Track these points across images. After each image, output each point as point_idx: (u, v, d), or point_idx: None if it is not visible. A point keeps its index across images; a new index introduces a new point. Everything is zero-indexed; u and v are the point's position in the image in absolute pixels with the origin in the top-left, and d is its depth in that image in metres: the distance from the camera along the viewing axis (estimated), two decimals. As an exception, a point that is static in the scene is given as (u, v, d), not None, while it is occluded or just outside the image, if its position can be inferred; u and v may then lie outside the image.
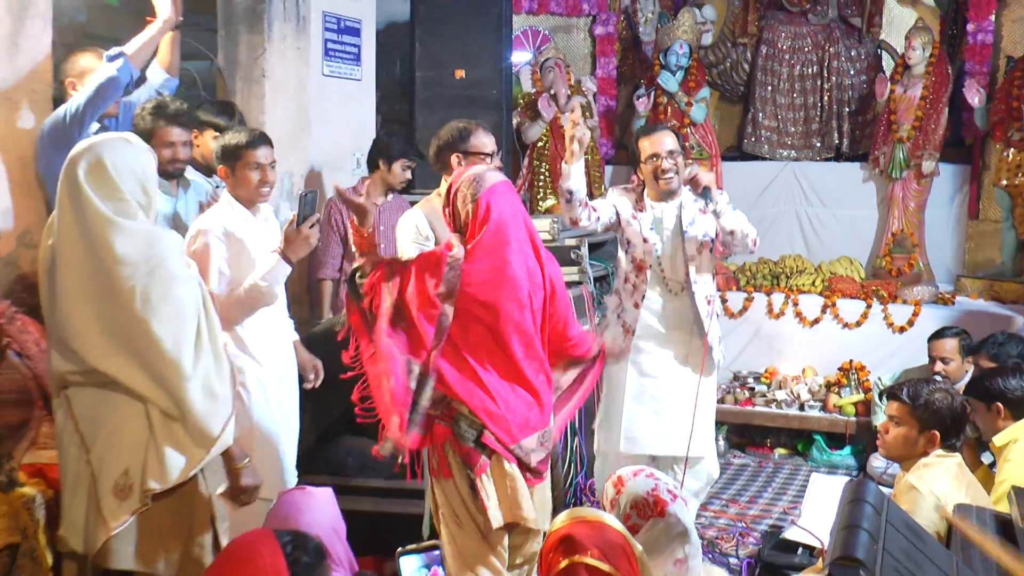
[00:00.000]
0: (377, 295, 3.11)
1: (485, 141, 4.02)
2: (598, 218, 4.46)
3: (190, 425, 2.78)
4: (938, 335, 5.47)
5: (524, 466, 3.14)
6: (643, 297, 4.50)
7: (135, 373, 2.75)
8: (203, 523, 2.87)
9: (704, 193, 4.32)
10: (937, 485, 3.34)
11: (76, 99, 3.93)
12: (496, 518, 3.05)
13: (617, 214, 4.51)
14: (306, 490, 2.90)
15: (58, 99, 4.19)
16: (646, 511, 2.82)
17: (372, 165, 5.36)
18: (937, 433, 3.52)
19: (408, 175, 5.36)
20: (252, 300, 3.68)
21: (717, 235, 4.43)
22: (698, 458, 4.52)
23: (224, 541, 2.92)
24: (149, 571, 2.80)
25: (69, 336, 2.77)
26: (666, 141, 4.45)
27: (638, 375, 4.53)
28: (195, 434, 2.79)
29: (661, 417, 4.48)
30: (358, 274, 3.17)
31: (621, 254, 4.61)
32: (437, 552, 2.28)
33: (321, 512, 2.92)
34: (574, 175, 4.32)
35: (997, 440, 3.86)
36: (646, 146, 4.47)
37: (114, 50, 4.02)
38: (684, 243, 4.44)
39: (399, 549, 2.29)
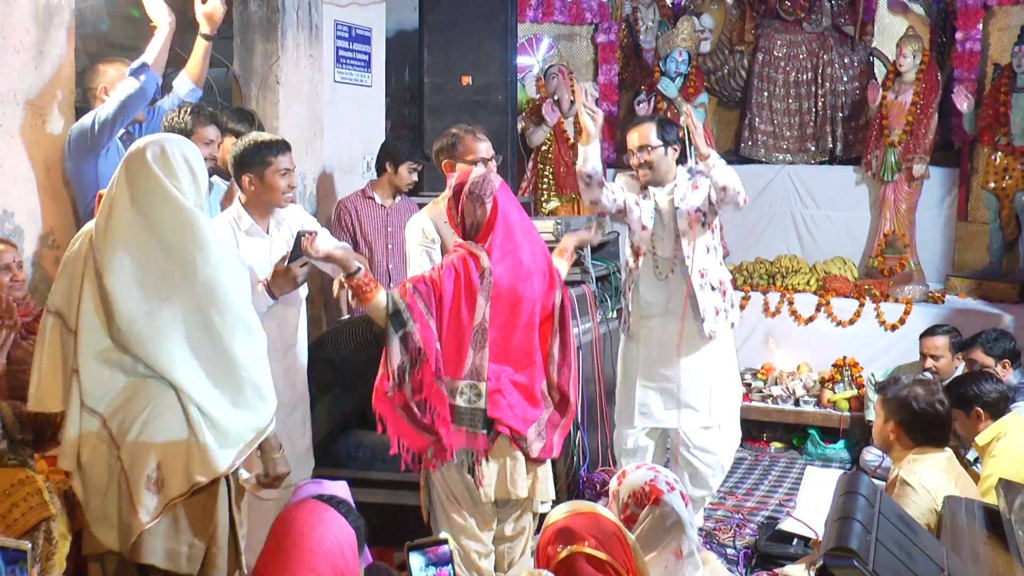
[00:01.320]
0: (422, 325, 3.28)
1: (475, 147, 4.03)
2: (614, 199, 4.45)
3: (240, 416, 2.76)
4: (929, 333, 5.47)
5: (526, 455, 3.40)
6: (635, 282, 4.54)
7: (187, 362, 2.71)
8: (224, 523, 2.82)
9: (688, 134, 4.33)
10: (927, 478, 3.34)
11: (105, 107, 3.94)
12: (488, 495, 3.41)
13: (624, 200, 4.50)
14: (321, 483, 2.90)
15: (81, 107, 4.21)
16: (642, 500, 2.83)
17: (380, 168, 5.37)
18: (895, 423, 3.51)
19: (415, 177, 5.36)
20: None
21: (709, 201, 4.38)
22: (709, 427, 4.56)
23: (242, 543, 2.93)
24: (174, 568, 2.75)
25: (120, 323, 2.70)
26: (634, 137, 4.42)
27: (646, 353, 4.55)
28: (245, 424, 2.78)
29: (671, 392, 4.48)
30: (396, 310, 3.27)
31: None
32: (445, 549, 2.27)
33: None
34: (591, 156, 4.30)
35: (980, 440, 3.85)
36: (629, 140, 4.48)
37: (137, 62, 4.04)
38: (676, 220, 4.42)
39: (408, 543, 2.29)
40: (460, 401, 3.37)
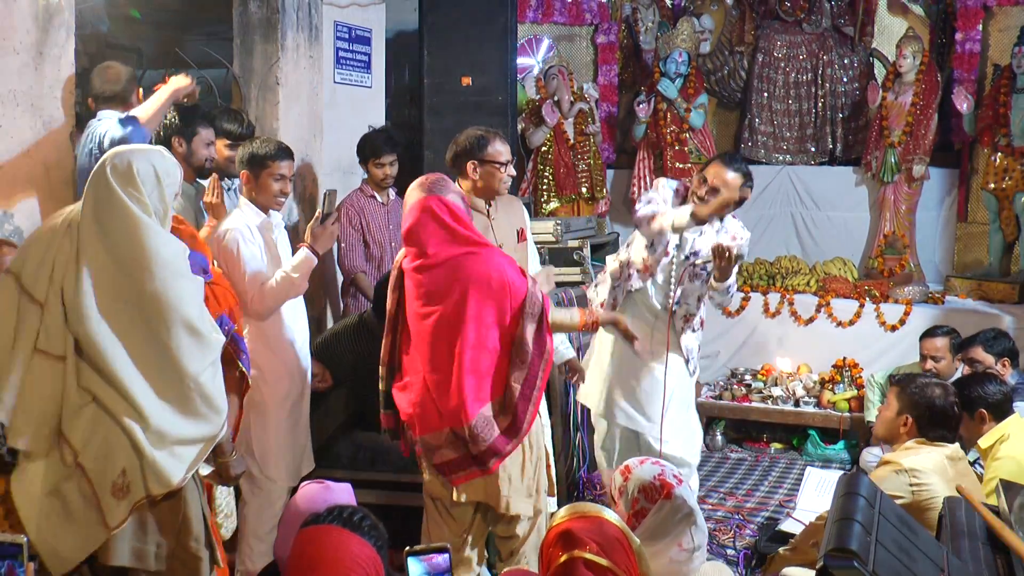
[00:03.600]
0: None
1: (501, 150, 3.97)
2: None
3: (190, 427, 2.77)
4: (929, 334, 5.46)
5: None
6: (627, 293, 4.35)
7: (134, 378, 2.72)
8: (197, 516, 2.85)
9: (721, 262, 4.00)
10: (914, 460, 3.40)
11: (92, 146, 3.91)
12: (461, 497, 3.44)
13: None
14: (325, 484, 2.90)
15: (80, 114, 4.21)
16: (653, 495, 2.82)
17: (364, 170, 5.39)
18: (911, 418, 3.55)
19: (387, 172, 5.26)
20: (284, 291, 3.84)
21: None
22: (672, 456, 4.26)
23: (226, 533, 2.93)
24: (142, 567, 2.77)
25: (81, 332, 2.71)
26: (718, 177, 4.12)
27: (622, 350, 4.36)
28: (195, 434, 2.79)
29: (634, 393, 4.39)
30: None
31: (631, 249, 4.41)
32: (445, 557, 2.26)
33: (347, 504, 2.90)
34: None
35: (983, 442, 3.85)
36: (709, 177, 4.14)
37: (130, 112, 4.03)
38: (686, 265, 4.27)
39: (407, 549, 2.28)
40: None
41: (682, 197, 4.30)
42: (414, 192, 3.42)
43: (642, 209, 4.22)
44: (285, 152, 3.97)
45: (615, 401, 4.43)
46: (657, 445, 4.33)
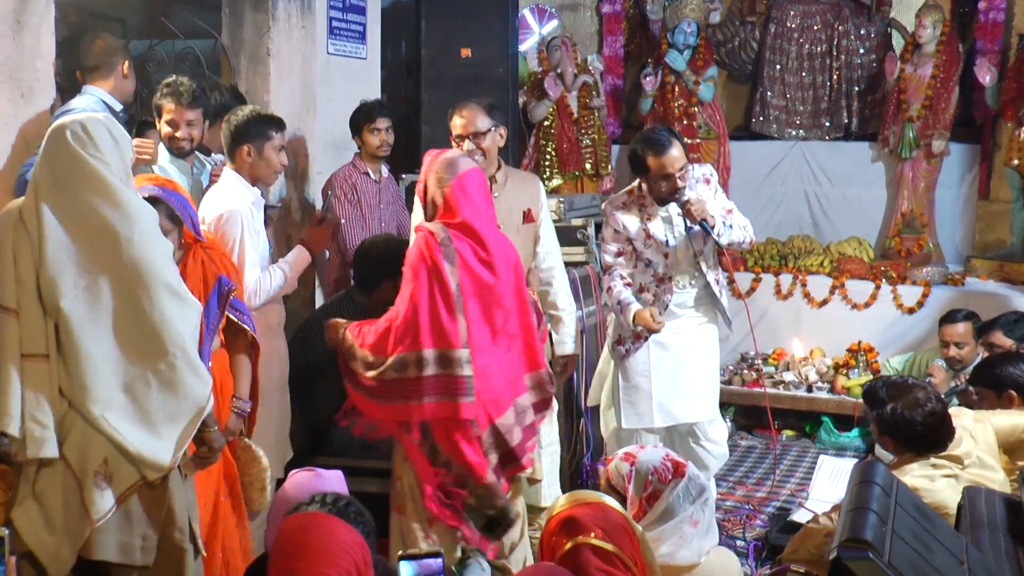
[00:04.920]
0: None
1: (454, 123, 4.04)
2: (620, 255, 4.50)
3: (175, 400, 2.74)
4: (949, 319, 5.44)
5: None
6: (665, 307, 4.46)
7: (111, 356, 2.70)
8: (181, 507, 2.83)
9: (702, 224, 4.27)
10: (913, 482, 3.21)
11: None
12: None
13: (629, 240, 4.46)
14: (316, 472, 2.90)
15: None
16: (666, 475, 2.90)
17: (356, 144, 5.30)
18: (892, 441, 3.41)
19: (384, 138, 5.15)
20: (277, 288, 3.91)
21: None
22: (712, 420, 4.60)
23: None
24: (128, 561, 2.75)
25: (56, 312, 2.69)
26: (677, 159, 4.27)
27: (660, 352, 4.51)
28: (181, 407, 2.75)
29: (684, 388, 4.50)
30: None
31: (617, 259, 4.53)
32: (438, 561, 2.26)
33: (338, 491, 2.90)
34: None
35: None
36: (659, 165, 4.27)
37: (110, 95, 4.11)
38: (691, 238, 4.42)
39: (399, 552, 2.29)
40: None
41: (639, 202, 4.45)
42: None
43: (611, 296, 4.47)
44: (283, 123, 4.05)
45: (660, 406, 4.53)
46: (705, 430, 4.56)
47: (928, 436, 3.33)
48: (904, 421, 3.32)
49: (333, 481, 2.87)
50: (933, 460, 3.34)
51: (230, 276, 3.31)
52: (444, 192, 3.40)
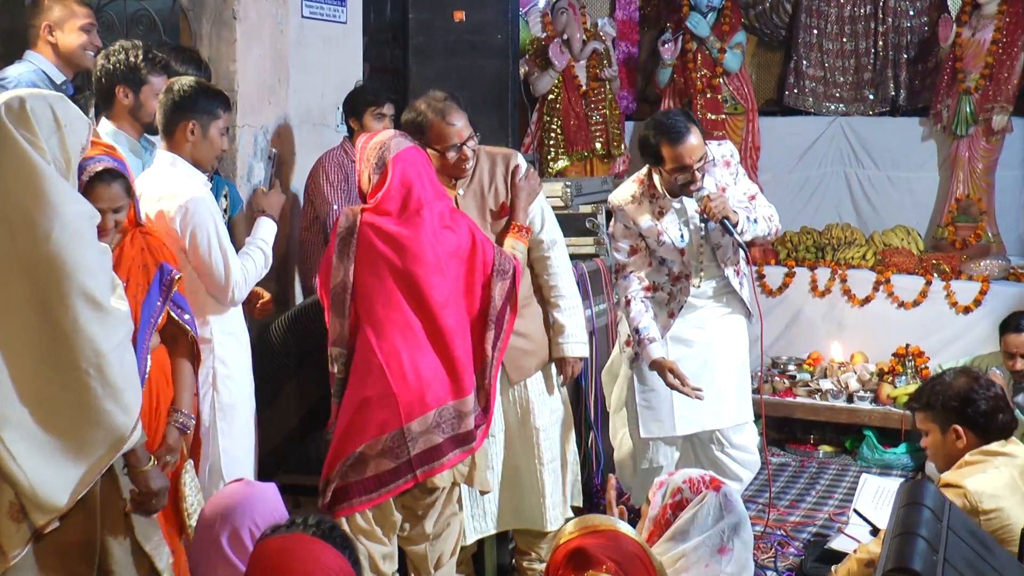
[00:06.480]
0: None
1: (447, 133, 4.00)
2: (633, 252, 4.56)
3: (87, 429, 2.70)
4: (1014, 328, 5.44)
5: None
6: (680, 307, 4.51)
7: (14, 369, 2.66)
8: (117, 537, 2.83)
9: (723, 222, 4.29)
10: (974, 482, 3.31)
11: None
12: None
13: (641, 236, 4.50)
14: (250, 483, 2.95)
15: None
16: (699, 486, 2.91)
17: (349, 129, 5.30)
18: (961, 428, 3.49)
19: (387, 125, 5.11)
20: (262, 266, 3.94)
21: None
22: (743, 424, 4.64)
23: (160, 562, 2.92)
24: None
25: None
26: (696, 148, 4.26)
27: (680, 349, 4.53)
28: (93, 438, 2.71)
29: (710, 391, 4.49)
30: None
31: (630, 258, 4.57)
32: None
33: (273, 505, 2.91)
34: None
35: None
36: (674, 155, 4.26)
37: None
38: (708, 233, 4.45)
39: None
40: (334, 370, 3.75)
41: (649, 194, 4.47)
42: None
43: (627, 314, 4.53)
44: (229, 101, 4.01)
45: (682, 412, 4.54)
46: (730, 436, 4.60)
47: (992, 414, 3.45)
48: (966, 391, 3.47)
49: (268, 494, 2.90)
50: (995, 447, 3.41)
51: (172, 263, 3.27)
52: (372, 176, 3.70)
